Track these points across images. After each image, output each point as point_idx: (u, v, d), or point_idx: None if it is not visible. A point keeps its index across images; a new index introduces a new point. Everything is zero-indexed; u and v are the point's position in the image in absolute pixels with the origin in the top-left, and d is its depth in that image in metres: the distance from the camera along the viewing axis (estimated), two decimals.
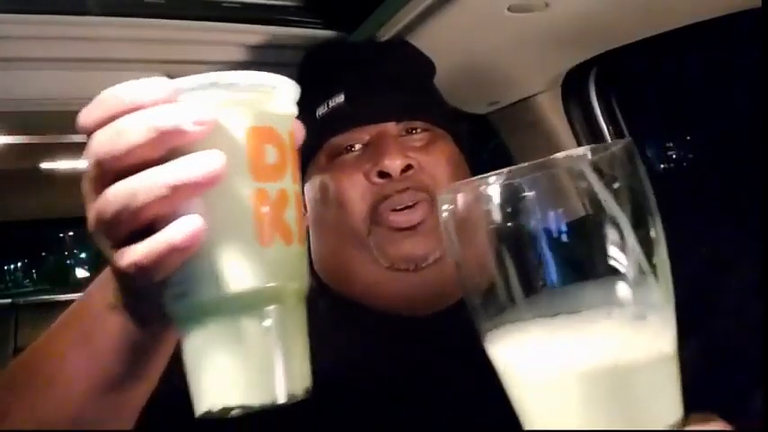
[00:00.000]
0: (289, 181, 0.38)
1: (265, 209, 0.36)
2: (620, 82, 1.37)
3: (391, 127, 0.77)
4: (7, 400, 0.51)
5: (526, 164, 0.36)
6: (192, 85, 0.36)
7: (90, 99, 0.41)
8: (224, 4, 0.93)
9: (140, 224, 0.36)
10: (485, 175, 0.36)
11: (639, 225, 0.37)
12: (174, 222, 0.34)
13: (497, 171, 0.36)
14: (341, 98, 0.79)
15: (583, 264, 0.36)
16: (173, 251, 0.34)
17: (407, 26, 1.02)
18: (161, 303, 0.38)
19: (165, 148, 0.35)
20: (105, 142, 0.36)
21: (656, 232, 0.38)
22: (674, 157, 1.72)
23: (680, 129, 1.70)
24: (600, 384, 0.35)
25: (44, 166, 2.03)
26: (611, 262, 0.36)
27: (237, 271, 0.35)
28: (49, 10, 0.89)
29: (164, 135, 0.34)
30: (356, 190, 0.75)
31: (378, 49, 0.95)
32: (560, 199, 0.35)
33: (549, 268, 0.35)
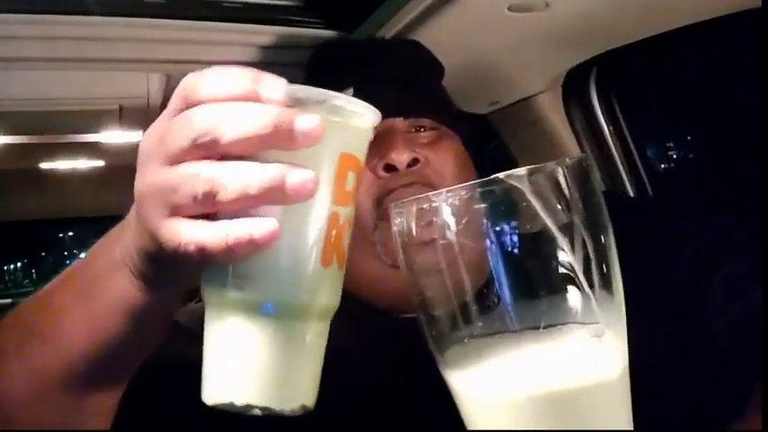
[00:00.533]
0: (352, 207, 0.39)
1: (334, 232, 0.37)
2: (621, 82, 1.37)
3: (399, 123, 0.77)
4: (1, 350, 0.51)
5: (474, 181, 0.36)
6: (304, 95, 0.36)
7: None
8: (224, 4, 0.93)
9: (215, 210, 0.36)
10: (434, 192, 0.37)
11: (593, 240, 0.37)
12: (257, 219, 0.34)
13: (446, 189, 0.37)
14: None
15: (532, 281, 0.37)
16: (249, 244, 0.34)
17: (408, 26, 1.02)
18: (198, 284, 0.39)
19: (266, 147, 0.35)
20: (216, 120, 0.35)
21: (609, 247, 0.38)
22: (674, 157, 1.71)
23: (680, 129, 1.70)
24: (554, 407, 0.35)
25: (44, 166, 2.03)
26: (560, 279, 0.36)
27: (297, 283, 0.37)
28: (49, 10, 0.89)
29: (275, 135, 0.34)
30: (362, 184, 0.75)
31: (388, 46, 0.95)
32: (506, 216, 0.36)
33: (501, 285, 0.36)
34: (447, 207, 0.36)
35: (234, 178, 0.34)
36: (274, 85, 0.36)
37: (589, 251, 0.36)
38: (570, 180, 0.36)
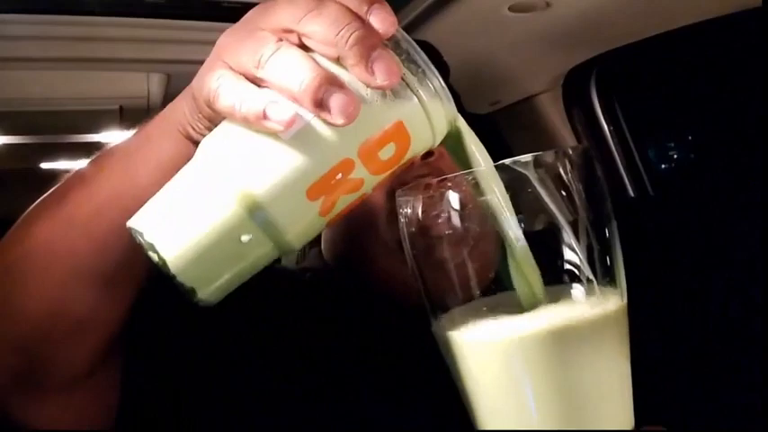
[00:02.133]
0: (371, 182, 0.38)
1: (339, 176, 0.36)
2: (621, 82, 1.37)
3: None
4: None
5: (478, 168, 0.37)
6: (409, 47, 0.36)
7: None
8: (224, 5, 0.93)
9: (267, 86, 0.36)
10: (441, 177, 0.37)
11: (597, 229, 0.38)
12: (279, 103, 0.34)
13: (453, 174, 0.37)
14: None
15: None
16: (257, 119, 0.34)
17: (408, 26, 1.02)
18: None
19: (343, 62, 0.35)
20: (320, 21, 0.35)
21: (613, 235, 0.39)
22: (674, 157, 1.71)
23: (680, 129, 1.70)
24: (545, 347, 0.36)
25: (44, 166, 2.03)
26: (564, 268, 0.37)
27: (271, 188, 0.35)
28: (49, 10, 0.89)
29: (356, 57, 0.34)
30: None
31: None
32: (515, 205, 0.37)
33: (502, 273, 0.37)
34: (454, 194, 0.37)
35: (287, 65, 0.34)
36: (387, 21, 0.35)
37: (592, 240, 0.37)
38: (575, 168, 0.37)
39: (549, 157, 0.37)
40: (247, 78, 0.36)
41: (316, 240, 1.44)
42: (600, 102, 1.34)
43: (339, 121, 0.34)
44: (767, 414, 0.65)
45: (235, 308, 0.71)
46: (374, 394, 0.67)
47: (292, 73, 0.34)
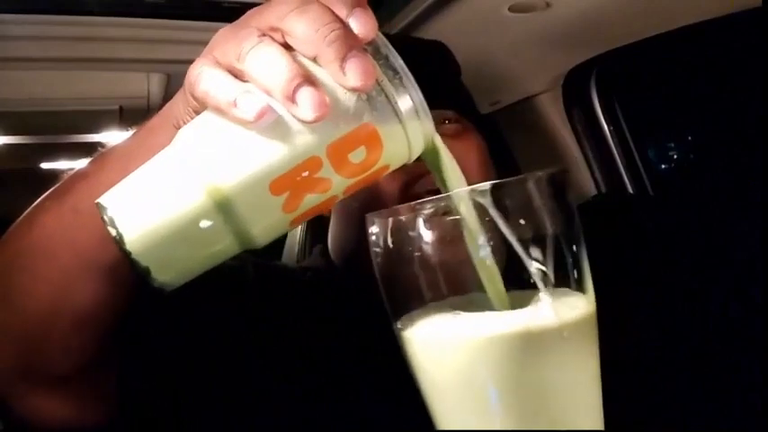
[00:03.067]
0: (341, 185, 0.38)
1: (305, 174, 0.36)
2: (621, 82, 1.37)
3: None
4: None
5: (440, 195, 0.37)
6: (386, 49, 0.37)
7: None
8: (224, 5, 0.93)
9: (245, 78, 0.37)
10: (413, 202, 0.37)
11: (562, 251, 0.38)
12: (252, 95, 0.35)
13: (416, 201, 0.37)
14: None
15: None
16: (228, 106, 0.35)
17: (408, 26, 1.02)
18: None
19: (319, 61, 0.35)
20: (301, 20, 0.36)
21: (580, 247, 0.39)
22: (674, 157, 1.71)
23: (680, 129, 1.70)
24: (509, 349, 0.35)
25: (44, 166, 2.03)
26: (535, 274, 0.37)
27: (236, 180, 0.35)
28: (49, 10, 0.89)
29: (331, 57, 0.34)
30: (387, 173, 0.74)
31: (412, 42, 0.95)
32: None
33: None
34: (420, 220, 0.37)
35: (264, 58, 0.35)
36: (368, 25, 0.36)
37: (563, 251, 0.37)
38: (539, 193, 0.37)
39: (508, 184, 0.37)
40: (231, 72, 0.37)
41: (318, 238, 1.44)
42: (600, 102, 1.34)
43: (307, 116, 0.34)
44: (767, 414, 0.65)
45: (235, 307, 0.71)
46: (374, 394, 0.67)
47: (268, 66, 0.35)
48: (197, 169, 0.36)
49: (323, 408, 0.65)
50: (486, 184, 0.36)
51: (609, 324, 0.70)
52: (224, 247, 0.38)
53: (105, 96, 1.18)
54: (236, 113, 0.35)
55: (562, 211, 0.38)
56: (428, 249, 0.37)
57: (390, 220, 0.38)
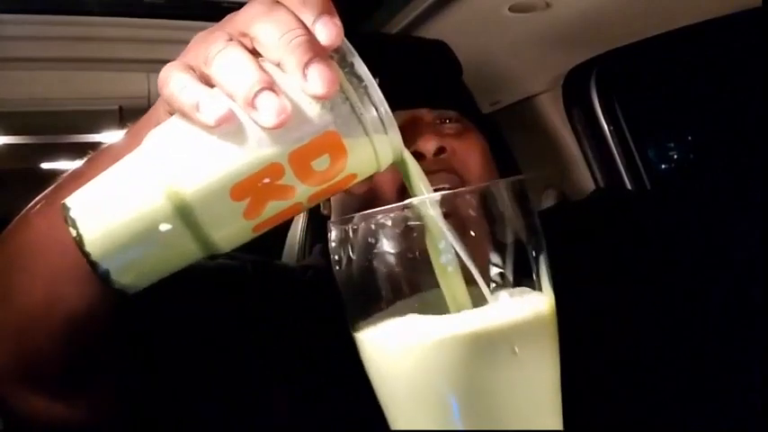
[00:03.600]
0: (304, 192, 0.37)
1: (266, 180, 0.35)
2: (621, 82, 1.37)
3: (425, 114, 0.77)
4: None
5: (390, 206, 0.37)
6: (353, 57, 0.37)
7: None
8: (224, 5, 0.93)
9: (212, 84, 0.37)
10: (361, 213, 0.38)
11: (526, 244, 0.39)
12: (216, 99, 0.35)
13: (366, 212, 0.38)
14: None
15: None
16: (192, 109, 0.35)
17: (408, 26, 1.02)
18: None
19: (283, 67, 0.35)
20: (267, 25, 0.36)
21: (541, 251, 0.40)
22: (674, 157, 1.71)
23: (680, 129, 1.70)
24: (458, 351, 0.35)
25: (44, 166, 2.03)
26: (494, 275, 0.38)
27: (197, 185, 0.35)
28: (49, 10, 0.89)
29: (295, 63, 0.34)
30: (387, 170, 0.74)
31: (414, 42, 0.95)
32: (417, 239, 0.37)
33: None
34: (376, 228, 0.37)
35: (228, 62, 0.35)
36: (333, 32, 0.36)
37: (526, 254, 0.38)
38: (498, 201, 0.38)
39: (457, 195, 0.37)
40: (201, 76, 0.37)
41: (318, 238, 1.44)
42: (600, 102, 1.34)
43: (267, 122, 0.34)
44: (767, 414, 0.65)
45: (234, 306, 0.71)
46: (374, 394, 0.67)
47: (231, 70, 0.35)
48: (157, 172, 0.36)
49: (322, 407, 0.65)
50: (437, 195, 0.37)
51: (608, 323, 0.70)
52: (185, 251, 0.37)
53: (105, 96, 1.18)
54: (199, 117, 0.35)
55: (523, 216, 0.38)
56: (385, 256, 0.37)
57: (348, 227, 0.38)
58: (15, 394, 0.56)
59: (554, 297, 0.40)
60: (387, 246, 0.37)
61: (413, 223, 0.37)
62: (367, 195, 0.72)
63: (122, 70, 1.06)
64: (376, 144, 0.37)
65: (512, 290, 0.38)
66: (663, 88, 1.54)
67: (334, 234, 0.39)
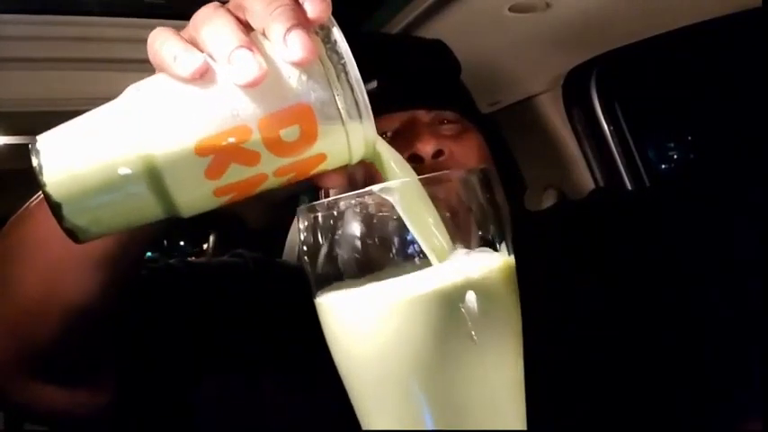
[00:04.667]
0: (270, 162, 0.37)
1: (231, 139, 0.35)
2: (621, 82, 1.37)
3: (423, 115, 0.77)
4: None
5: (352, 192, 0.38)
6: (338, 36, 0.37)
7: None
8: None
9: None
10: (334, 197, 0.38)
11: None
12: (194, 53, 0.36)
13: (333, 197, 0.38)
14: (373, 84, 0.77)
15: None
16: (173, 61, 0.36)
17: (408, 26, 1.02)
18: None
19: (269, 31, 0.36)
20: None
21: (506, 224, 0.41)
22: (674, 157, 1.72)
23: (681, 129, 1.70)
24: (417, 309, 0.35)
25: None
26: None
27: (168, 138, 0.36)
28: (49, 10, 0.89)
29: (281, 26, 0.35)
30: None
31: (412, 41, 0.95)
32: (381, 226, 0.38)
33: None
34: (350, 215, 0.38)
35: (214, 25, 0.36)
36: (319, 7, 0.36)
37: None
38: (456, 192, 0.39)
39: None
40: (188, 39, 0.38)
41: None
42: (600, 102, 1.34)
43: (241, 78, 0.34)
44: (767, 414, 0.65)
45: (236, 304, 0.71)
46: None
47: (215, 32, 0.36)
48: (127, 121, 0.36)
49: (326, 403, 0.65)
50: (397, 182, 0.38)
51: (607, 323, 0.70)
52: (142, 202, 0.37)
53: (105, 96, 1.17)
54: (175, 69, 0.36)
55: (490, 205, 0.39)
56: (349, 240, 0.38)
57: (314, 215, 0.39)
58: (16, 385, 0.57)
59: (513, 259, 0.40)
60: (351, 229, 0.38)
61: (377, 210, 0.38)
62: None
63: (122, 70, 1.06)
64: (348, 126, 0.37)
65: (469, 251, 0.38)
66: (663, 88, 1.54)
67: (301, 221, 0.40)
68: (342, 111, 0.37)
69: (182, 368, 0.66)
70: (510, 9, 0.95)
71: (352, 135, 0.38)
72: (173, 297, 0.67)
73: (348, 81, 0.37)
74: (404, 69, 0.80)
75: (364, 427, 0.40)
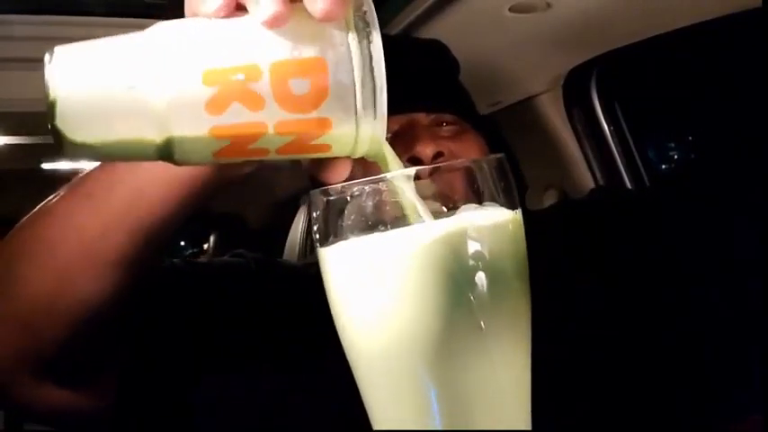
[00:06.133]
0: (271, 112, 0.36)
1: (240, 75, 0.35)
2: (622, 82, 1.37)
3: (422, 117, 0.77)
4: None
5: (365, 179, 0.38)
6: (369, 7, 0.37)
7: None
8: None
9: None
10: (348, 183, 0.38)
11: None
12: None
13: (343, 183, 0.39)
14: None
15: None
16: (204, 5, 0.36)
17: (408, 27, 1.02)
18: None
19: None
20: None
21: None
22: (674, 157, 1.72)
23: (681, 129, 1.70)
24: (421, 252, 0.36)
25: (44, 166, 2.03)
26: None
27: (177, 56, 0.36)
28: (49, 10, 0.89)
29: None
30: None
31: (410, 42, 0.94)
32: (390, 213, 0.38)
33: None
34: (347, 199, 0.38)
35: None
36: None
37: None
38: (460, 181, 0.38)
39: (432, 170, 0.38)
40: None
41: None
42: (600, 102, 1.34)
43: (264, 16, 0.34)
44: (767, 414, 0.65)
45: (237, 304, 0.71)
46: None
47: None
48: (143, 39, 0.37)
49: (328, 404, 0.65)
50: (412, 170, 0.37)
51: (607, 322, 0.70)
52: (138, 118, 0.36)
53: None
54: (203, 5, 0.36)
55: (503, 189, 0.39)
56: (360, 217, 0.38)
57: (326, 198, 0.39)
58: (19, 384, 0.57)
59: (521, 213, 0.40)
60: (361, 211, 0.38)
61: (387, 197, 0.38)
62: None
63: None
64: (358, 95, 0.36)
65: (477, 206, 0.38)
66: (663, 88, 1.54)
67: (313, 206, 0.40)
68: (356, 80, 0.36)
69: (182, 368, 0.66)
70: (510, 9, 0.95)
71: (360, 105, 0.37)
72: (174, 296, 0.67)
73: (369, 50, 0.36)
74: (403, 71, 0.80)
75: (367, 404, 0.41)
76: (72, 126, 0.36)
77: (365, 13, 0.37)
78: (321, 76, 0.35)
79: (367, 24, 0.36)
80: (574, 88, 1.32)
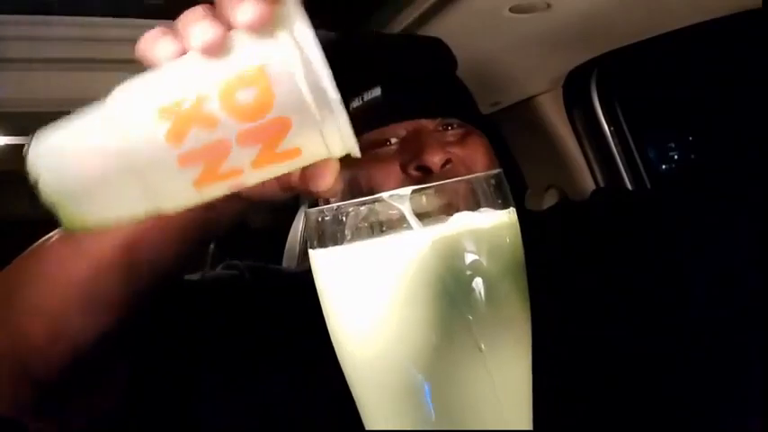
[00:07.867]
0: (229, 127, 0.37)
1: (187, 104, 0.37)
2: (622, 82, 1.37)
3: (427, 122, 0.76)
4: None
5: (361, 199, 0.38)
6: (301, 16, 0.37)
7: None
8: None
9: None
10: (342, 203, 0.39)
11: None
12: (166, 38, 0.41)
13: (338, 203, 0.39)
14: (377, 92, 0.76)
15: None
16: (148, 51, 0.41)
17: (408, 27, 1.02)
18: None
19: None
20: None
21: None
22: (674, 157, 1.71)
23: (681, 129, 1.70)
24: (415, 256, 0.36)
25: None
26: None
27: (131, 106, 0.39)
28: (49, 10, 0.89)
29: None
30: (392, 181, 0.73)
31: (413, 42, 0.94)
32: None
33: None
34: (342, 218, 0.39)
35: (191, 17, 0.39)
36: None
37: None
38: (458, 200, 0.39)
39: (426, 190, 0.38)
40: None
41: None
42: (600, 102, 1.34)
43: (197, 43, 0.37)
44: (767, 414, 0.65)
45: (238, 311, 0.71)
46: None
47: (187, 16, 0.40)
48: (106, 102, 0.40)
49: (327, 409, 0.65)
50: (407, 189, 0.38)
51: (607, 323, 0.70)
52: (116, 177, 0.38)
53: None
54: (147, 52, 0.40)
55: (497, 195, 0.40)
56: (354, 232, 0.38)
57: (321, 214, 0.39)
58: (20, 416, 0.57)
59: (515, 212, 0.41)
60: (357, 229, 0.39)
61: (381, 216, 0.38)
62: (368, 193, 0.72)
63: (122, 70, 1.06)
64: (304, 90, 0.36)
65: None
66: (663, 89, 1.54)
67: (309, 220, 0.41)
68: (296, 73, 0.36)
69: (182, 380, 0.66)
70: (510, 10, 0.95)
71: (310, 99, 0.37)
72: (169, 315, 0.67)
73: (297, 41, 0.36)
74: (409, 77, 0.80)
75: (362, 411, 0.41)
76: (54, 196, 0.41)
77: (289, 7, 0.37)
78: (263, 81, 0.36)
79: (294, 19, 0.37)
80: (574, 88, 1.32)
